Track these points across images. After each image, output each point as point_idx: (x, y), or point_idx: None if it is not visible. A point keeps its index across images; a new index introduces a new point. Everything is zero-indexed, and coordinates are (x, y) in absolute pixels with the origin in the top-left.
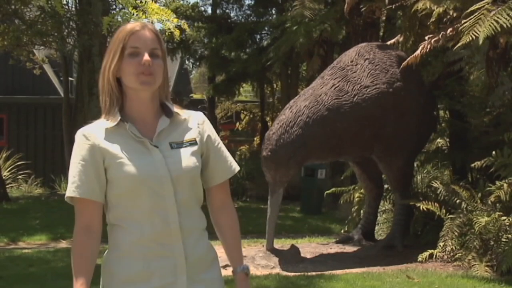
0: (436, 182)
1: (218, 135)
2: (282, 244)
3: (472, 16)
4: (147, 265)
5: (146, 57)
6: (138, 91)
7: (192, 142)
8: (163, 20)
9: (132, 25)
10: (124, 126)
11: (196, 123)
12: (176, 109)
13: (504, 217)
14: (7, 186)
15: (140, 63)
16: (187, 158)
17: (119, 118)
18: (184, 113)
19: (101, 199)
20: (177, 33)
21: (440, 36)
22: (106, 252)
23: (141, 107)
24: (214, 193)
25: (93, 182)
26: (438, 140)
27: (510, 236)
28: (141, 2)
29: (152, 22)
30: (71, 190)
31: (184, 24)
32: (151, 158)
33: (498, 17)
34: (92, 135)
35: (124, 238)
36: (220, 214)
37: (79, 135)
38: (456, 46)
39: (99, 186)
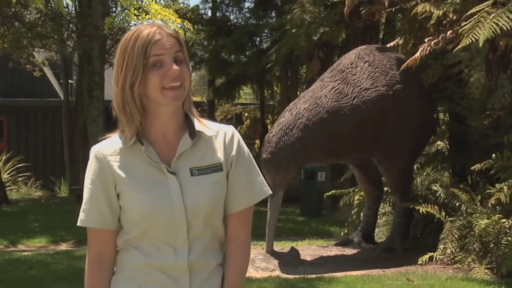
0: (435, 185)
1: None
2: (282, 246)
3: (472, 19)
4: None
5: (174, 66)
6: (161, 105)
7: (217, 168)
8: (167, 21)
9: (148, 30)
10: (140, 147)
11: (223, 141)
12: (201, 124)
13: (504, 220)
14: (7, 188)
15: (166, 73)
16: (209, 188)
17: (135, 138)
18: (211, 129)
19: (114, 227)
20: (182, 33)
21: (439, 38)
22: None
23: (162, 123)
24: (229, 222)
25: (104, 209)
26: (438, 142)
27: (510, 238)
28: (142, 2)
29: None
30: (82, 219)
31: (187, 23)
32: (167, 188)
33: (498, 20)
34: (104, 156)
35: (129, 261)
36: (229, 245)
37: (92, 154)
38: (456, 49)
39: (111, 213)
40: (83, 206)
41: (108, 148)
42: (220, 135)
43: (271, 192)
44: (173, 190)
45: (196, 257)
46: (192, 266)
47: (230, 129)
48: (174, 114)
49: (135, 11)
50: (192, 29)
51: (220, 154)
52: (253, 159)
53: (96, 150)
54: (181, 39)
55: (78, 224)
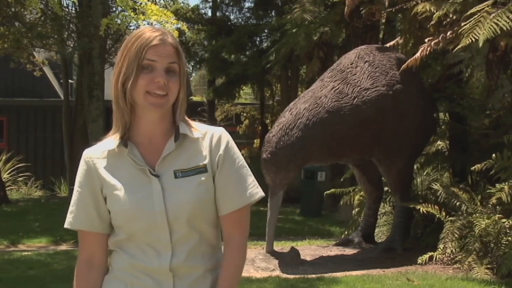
0: (436, 185)
1: None
2: (282, 246)
3: (472, 19)
4: None
5: (162, 75)
6: (145, 109)
7: (201, 169)
8: (162, 22)
9: (151, 33)
10: (125, 150)
11: (209, 143)
12: (189, 127)
13: (504, 220)
14: (7, 188)
15: (153, 80)
16: (192, 190)
17: (119, 140)
18: (199, 131)
19: (103, 230)
20: (176, 34)
21: (440, 38)
22: None
23: (148, 126)
24: (222, 223)
25: (91, 212)
26: (438, 142)
27: (510, 238)
28: (140, 4)
29: (151, 24)
30: (68, 221)
31: (183, 25)
32: (150, 191)
33: (498, 20)
34: (93, 160)
35: (116, 262)
36: (224, 247)
37: (82, 157)
38: (456, 49)
39: (99, 216)
40: (70, 208)
41: (97, 151)
42: (208, 136)
43: (263, 194)
44: (155, 193)
45: (181, 261)
46: (176, 270)
47: (218, 131)
48: (161, 120)
49: (132, 12)
50: (187, 31)
51: (206, 156)
52: (244, 161)
53: (86, 153)
54: (180, 51)
55: (65, 226)
